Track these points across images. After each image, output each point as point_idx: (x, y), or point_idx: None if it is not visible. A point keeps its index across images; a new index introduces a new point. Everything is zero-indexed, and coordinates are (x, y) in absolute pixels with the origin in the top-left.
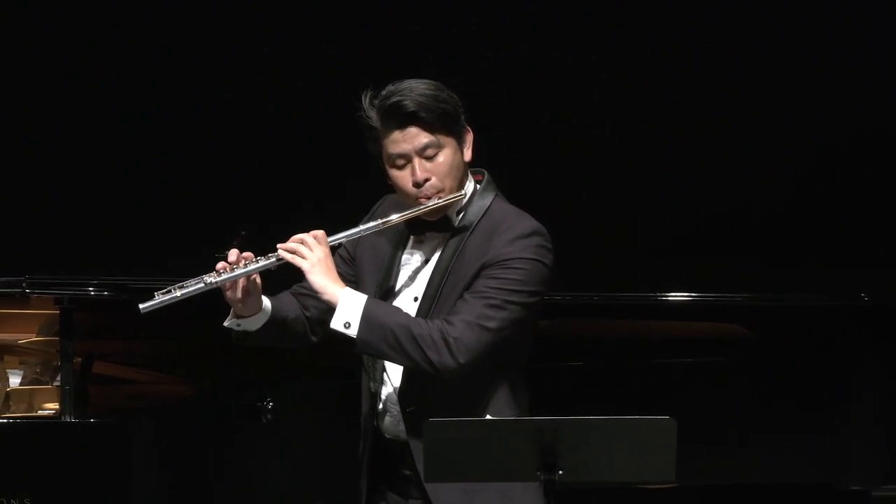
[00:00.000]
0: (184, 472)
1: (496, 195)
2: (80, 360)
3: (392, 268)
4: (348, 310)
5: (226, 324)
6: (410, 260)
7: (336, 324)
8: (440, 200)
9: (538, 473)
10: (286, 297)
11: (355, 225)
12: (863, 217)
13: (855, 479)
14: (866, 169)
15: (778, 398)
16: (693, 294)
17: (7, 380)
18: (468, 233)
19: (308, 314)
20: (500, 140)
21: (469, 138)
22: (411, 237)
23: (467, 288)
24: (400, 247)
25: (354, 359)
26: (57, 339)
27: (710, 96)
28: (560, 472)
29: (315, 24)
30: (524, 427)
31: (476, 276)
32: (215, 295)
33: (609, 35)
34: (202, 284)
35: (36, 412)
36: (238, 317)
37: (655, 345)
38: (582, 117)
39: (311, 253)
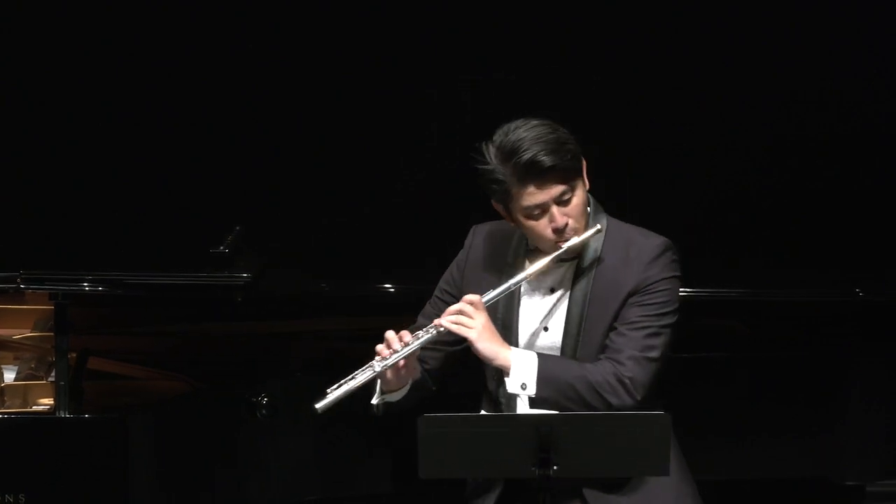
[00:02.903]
0: (178, 468)
1: (605, 214)
2: (74, 355)
3: (513, 300)
4: (522, 372)
5: (374, 401)
6: (533, 290)
7: (513, 387)
8: (580, 238)
9: (533, 469)
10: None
11: (499, 283)
12: (859, 212)
13: (850, 474)
14: (863, 164)
15: (773, 393)
16: (688, 290)
17: (1, 375)
18: (597, 260)
19: (427, 367)
20: None
21: (585, 168)
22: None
23: (615, 317)
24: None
25: (357, 355)
26: (52, 334)
27: (707, 94)
28: (555, 467)
29: (314, 24)
30: (519, 422)
31: (622, 304)
32: (206, 293)
33: (609, 35)
34: (371, 371)
35: (30, 408)
36: (387, 391)
37: None
38: (583, 117)
39: (473, 322)
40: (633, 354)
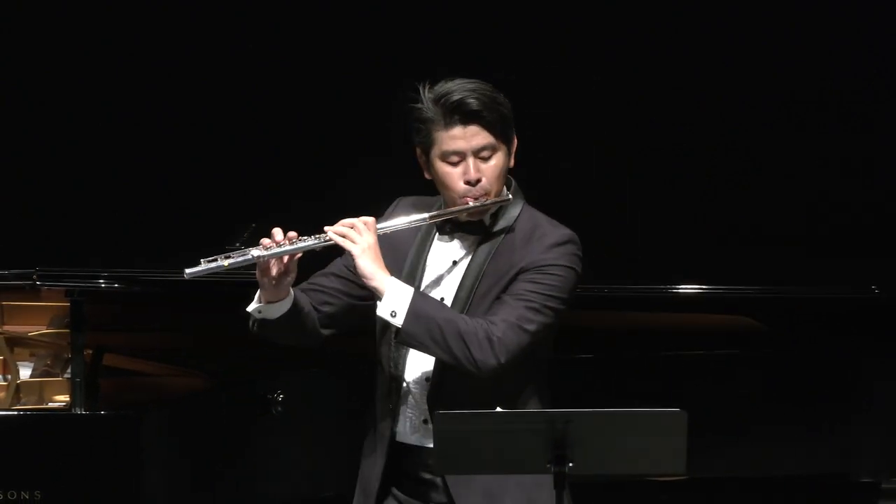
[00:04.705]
0: (194, 464)
1: (524, 201)
2: (90, 352)
3: (417, 268)
4: (395, 299)
5: (249, 308)
6: (437, 260)
7: (382, 311)
8: (488, 201)
9: (549, 466)
10: (298, 292)
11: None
12: (874, 208)
13: (865, 471)
14: (862, 164)
15: (788, 390)
16: (704, 286)
17: (17, 372)
18: (502, 237)
19: (322, 310)
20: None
21: (515, 146)
22: (436, 238)
23: (503, 291)
24: (425, 247)
25: (363, 349)
26: (67, 331)
27: (707, 94)
28: (571, 464)
29: (314, 24)
30: (535, 419)
31: (513, 279)
32: (221, 289)
33: (609, 35)
34: (249, 257)
35: (46, 404)
36: (263, 302)
37: (666, 337)
38: (583, 117)
39: (360, 238)
40: (508, 319)
